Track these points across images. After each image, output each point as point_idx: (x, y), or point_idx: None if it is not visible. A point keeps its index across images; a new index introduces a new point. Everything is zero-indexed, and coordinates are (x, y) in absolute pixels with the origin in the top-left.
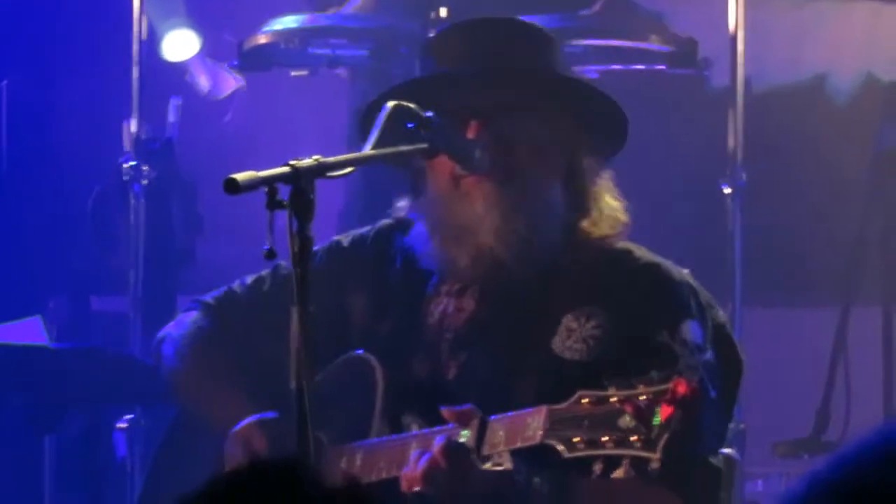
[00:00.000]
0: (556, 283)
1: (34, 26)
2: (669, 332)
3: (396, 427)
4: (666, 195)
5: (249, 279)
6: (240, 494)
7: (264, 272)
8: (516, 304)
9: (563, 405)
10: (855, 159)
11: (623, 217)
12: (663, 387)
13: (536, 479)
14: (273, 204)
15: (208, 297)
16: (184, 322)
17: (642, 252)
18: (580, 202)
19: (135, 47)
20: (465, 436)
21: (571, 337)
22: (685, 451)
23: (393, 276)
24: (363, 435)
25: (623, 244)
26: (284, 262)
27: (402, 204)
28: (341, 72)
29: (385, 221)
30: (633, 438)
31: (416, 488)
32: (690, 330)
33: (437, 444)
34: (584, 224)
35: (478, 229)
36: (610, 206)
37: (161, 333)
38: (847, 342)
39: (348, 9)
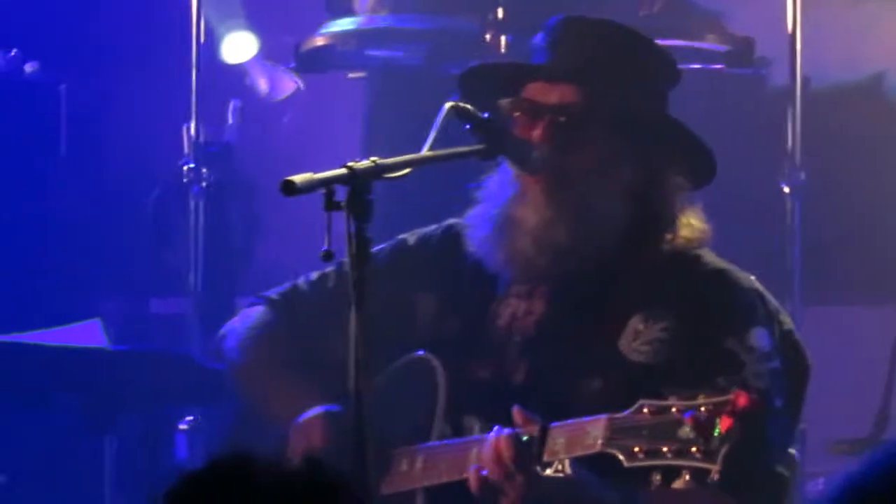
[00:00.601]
0: (624, 284)
1: (93, 30)
2: (737, 339)
3: (458, 429)
4: (725, 194)
5: (314, 275)
6: (194, 492)
7: (329, 269)
8: (585, 305)
9: (624, 414)
10: None
11: (703, 235)
12: (724, 398)
13: (599, 486)
14: (331, 205)
15: (273, 293)
16: (248, 316)
17: (711, 257)
18: (658, 217)
19: (193, 50)
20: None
21: (638, 339)
22: (749, 460)
23: (461, 276)
24: (424, 436)
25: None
26: None
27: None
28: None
29: (453, 220)
30: (693, 449)
31: (483, 472)
32: (758, 337)
33: (502, 433)
34: (660, 240)
35: (519, 229)
36: (691, 223)
37: (224, 328)
38: None
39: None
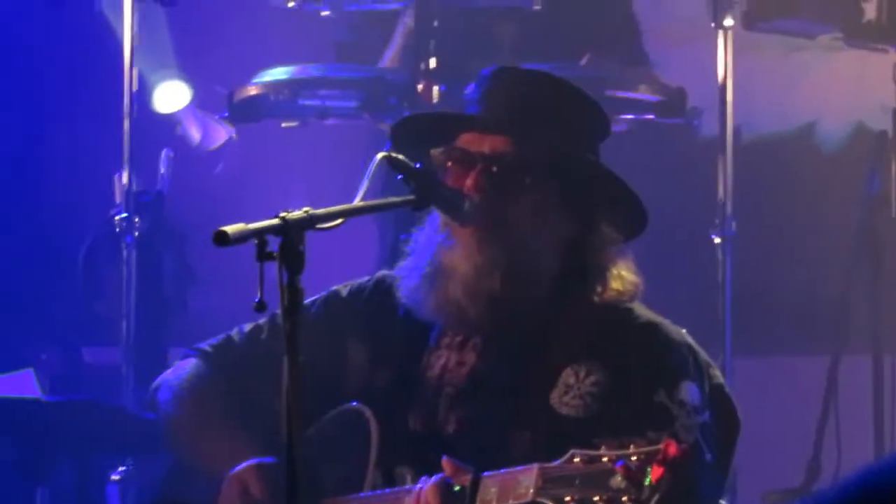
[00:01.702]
0: (556, 338)
1: (25, 78)
2: (667, 393)
3: (390, 479)
4: (656, 244)
5: (247, 327)
6: None
7: (262, 321)
8: (517, 358)
9: (555, 464)
10: (844, 207)
11: (635, 288)
12: (655, 448)
13: None
14: (263, 256)
15: (206, 345)
16: (181, 368)
17: (642, 311)
18: (590, 269)
19: (126, 99)
20: (457, 491)
21: (569, 392)
22: None
23: (393, 327)
24: (357, 486)
25: None
26: None
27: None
28: (331, 123)
29: (386, 272)
30: (624, 499)
31: None
32: (688, 391)
33: (430, 482)
34: (591, 291)
35: (451, 276)
36: (621, 276)
37: (158, 380)
38: (838, 390)
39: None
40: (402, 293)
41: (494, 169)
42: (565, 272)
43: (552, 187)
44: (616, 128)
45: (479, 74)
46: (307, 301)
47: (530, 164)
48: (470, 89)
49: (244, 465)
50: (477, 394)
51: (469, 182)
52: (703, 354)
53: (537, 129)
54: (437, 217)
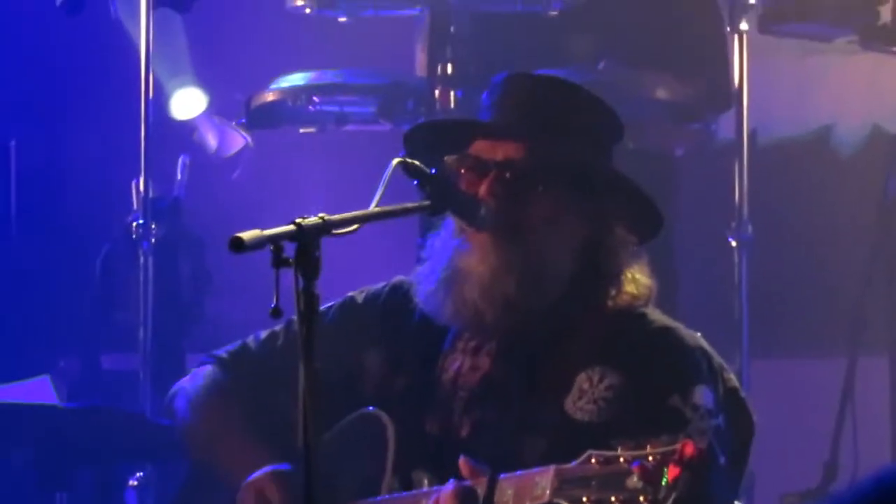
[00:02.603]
0: (569, 342)
1: (43, 86)
2: (681, 397)
3: (407, 484)
4: (672, 247)
5: (263, 334)
6: None
7: (278, 327)
8: (531, 363)
9: (572, 465)
10: (860, 210)
11: (648, 292)
12: (671, 448)
13: None
14: (278, 262)
15: (222, 352)
16: (198, 375)
17: (656, 315)
18: (605, 273)
19: (143, 106)
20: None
21: (584, 398)
22: None
23: (409, 332)
24: (374, 491)
25: None
26: None
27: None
28: (349, 129)
29: (401, 277)
30: (641, 499)
31: None
32: (702, 395)
33: (448, 488)
34: (604, 296)
35: (467, 280)
36: (636, 280)
37: (175, 387)
38: (855, 392)
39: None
40: (419, 298)
41: (508, 175)
42: (580, 276)
43: (566, 192)
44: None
45: (491, 81)
46: (323, 307)
47: (543, 170)
48: (484, 96)
49: (260, 472)
50: (490, 398)
51: (483, 189)
52: (718, 358)
53: (550, 135)
54: (451, 223)
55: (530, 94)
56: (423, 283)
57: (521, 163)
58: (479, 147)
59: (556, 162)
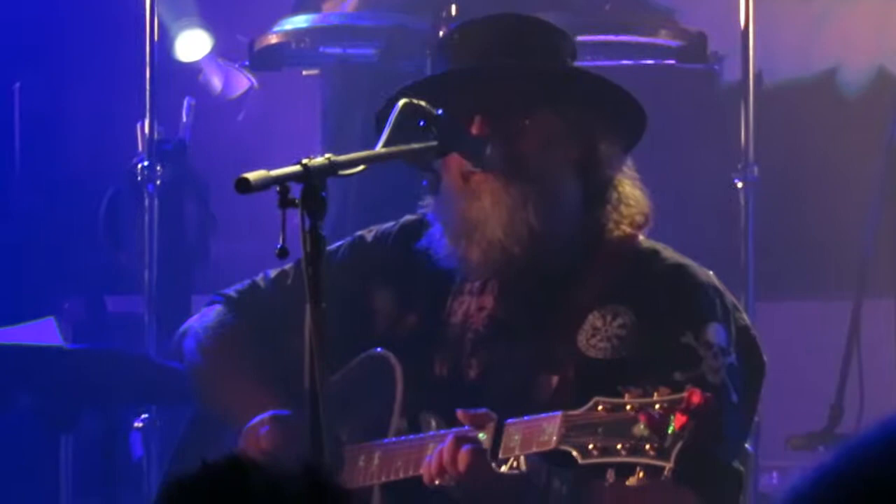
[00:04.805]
0: (581, 280)
1: (46, 29)
2: (694, 334)
3: (415, 426)
4: (678, 190)
5: (273, 273)
6: (187, 498)
7: (287, 266)
8: (538, 301)
9: (579, 411)
10: (867, 152)
11: (645, 208)
12: (678, 396)
13: (556, 482)
14: (285, 203)
15: (231, 291)
16: (207, 315)
17: (669, 253)
18: (599, 192)
19: (147, 48)
20: (481, 439)
21: (597, 335)
22: (703, 456)
23: (418, 272)
24: (382, 433)
25: (650, 244)
26: None
27: (426, 202)
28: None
29: (410, 217)
30: (647, 447)
31: (437, 481)
32: (715, 332)
33: (449, 439)
34: (606, 217)
35: (486, 224)
36: (631, 195)
37: (183, 326)
38: (860, 335)
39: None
40: (439, 257)
41: (496, 114)
42: (583, 199)
43: (550, 116)
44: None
45: (447, 30)
46: (332, 247)
47: (524, 99)
48: (443, 46)
49: (257, 419)
50: (497, 338)
51: (475, 131)
52: (730, 296)
53: (519, 63)
54: (449, 182)
55: (491, 32)
56: (438, 241)
57: (506, 99)
58: (462, 96)
59: (535, 81)
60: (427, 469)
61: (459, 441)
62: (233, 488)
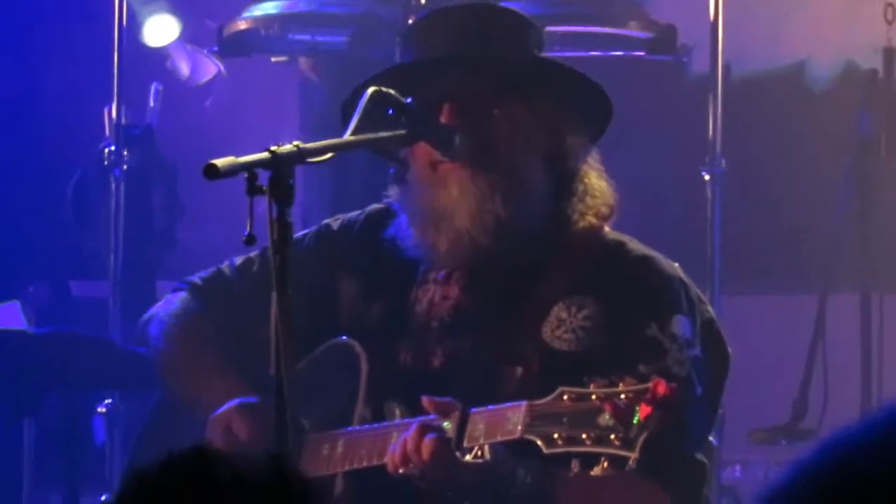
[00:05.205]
0: (546, 272)
1: (15, 12)
2: (659, 326)
3: (379, 414)
4: (645, 182)
5: (238, 260)
6: (150, 489)
7: (253, 254)
8: (504, 292)
9: (544, 401)
10: (834, 146)
11: (611, 199)
12: (643, 386)
13: (520, 471)
14: (253, 189)
15: (196, 278)
16: (171, 302)
17: (635, 245)
18: (566, 184)
19: (115, 33)
20: (445, 428)
21: (561, 327)
22: (668, 448)
23: (383, 261)
24: (345, 421)
25: (616, 236)
26: None
27: (392, 191)
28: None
29: (376, 206)
30: (612, 437)
31: (400, 470)
32: (680, 325)
33: (413, 432)
34: (572, 209)
35: (454, 213)
36: (597, 186)
37: (148, 313)
38: (825, 329)
39: None
40: (406, 247)
41: (465, 103)
42: (550, 190)
43: (517, 106)
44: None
45: (415, 20)
46: (298, 235)
47: (492, 88)
48: (410, 35)
49: (225, 406)
50: (462, 328)
51: (444, 120)
52: (695, 289)
53: (487, 53)
54: (416, 172)
55: (459, 21)
56: (405, 231)
57: (475, 88)
58: (430, 85)
59: (503, 70)
60: (391, 457)
61: (424, 429)
62: (197, 478)
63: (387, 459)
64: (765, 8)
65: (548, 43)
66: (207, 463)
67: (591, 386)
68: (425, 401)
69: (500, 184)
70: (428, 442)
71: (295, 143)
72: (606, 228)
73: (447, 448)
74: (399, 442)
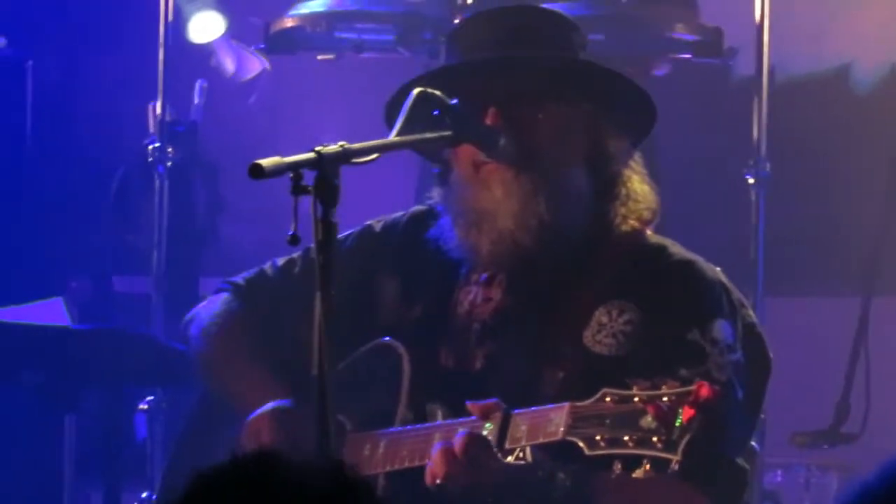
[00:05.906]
0: (588, 276)
1: (60, 6)
2: (700, 331)
3: (421, 415)
4: (690, 185)
5: (281, 261)
6: (216, 490)
7: (295, 254)
8: (545, 295)
9: (587, 402)
10: (878, 150)
11: (653, 203)
12: (686, 388)
13: (560, 475)
14: (298, 189)
15: (239, 279)
16: (214, 303)
17: (676, 249)
18: (607, 186)
19: (161, 29)
20: (487, 429)
21: (602, 331)
22: (710, 451)
23: (425, 263)
24: (387, 422)
25: (658, 239)
26: None
27: (436, 192)
28: (367, 56)
29: (419, 207)
30: (655, 439)
31: (438, 480)
32: (721, 329)
33: (458, 437)
34: (614, 212)
35: (497, 215)
36: (639, 190)
37: (191, 314)
38: (868, 334)
39: None
40: (449, 248)
41: (508, 105)
42: (592, 193)
43: (562, 107)
44: (658, 72)
45: (460, 21)
46: (341, 235)
47: (535, 90)
48: (456, 37)
49: (259, 411)
50: (503, 330)
51: (488, 122)
52: (737, 293)
53: (531, 55)
54: (458, 174)
55: (503, 23)
56: (448, 232)
57: (518, 90)
58: (474, 87)
59: (547, 72)
60: (430, 470)
61: (470, 440)
62: (260, 483)
63: (426, 470)
64: (809, 11)
65: (594, 46)
66: (271, 467)
67: (634, 388)
68: (469, 403)
69: (544, 185)
70: (470, 443)
71: (340, 143)
72: (648, 232)
73: (489, 449)
74: (439, 448)
